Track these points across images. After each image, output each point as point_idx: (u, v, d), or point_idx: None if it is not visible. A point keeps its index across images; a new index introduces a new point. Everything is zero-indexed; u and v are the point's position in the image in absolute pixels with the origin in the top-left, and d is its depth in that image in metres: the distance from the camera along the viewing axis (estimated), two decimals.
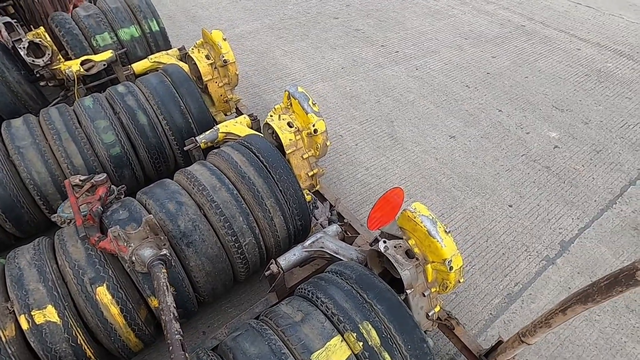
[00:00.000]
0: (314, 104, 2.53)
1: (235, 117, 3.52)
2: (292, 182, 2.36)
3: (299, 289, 1.94)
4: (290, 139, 2.57)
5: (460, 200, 3.25)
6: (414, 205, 1.93)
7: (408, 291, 1.90)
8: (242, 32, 5.49)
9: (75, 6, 4.16)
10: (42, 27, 3.49)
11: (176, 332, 1.48)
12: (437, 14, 5.91)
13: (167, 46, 3.89)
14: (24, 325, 1.76)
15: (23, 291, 1.80)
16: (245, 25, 5.66)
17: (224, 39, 3.09)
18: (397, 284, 1.95)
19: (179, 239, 2.06)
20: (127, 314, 1.92)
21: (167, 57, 3.47)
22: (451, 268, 1.83)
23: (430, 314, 1.99)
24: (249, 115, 2.99)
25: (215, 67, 3.20)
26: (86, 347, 1.86)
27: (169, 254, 1.89)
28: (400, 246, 1.95)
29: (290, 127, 2.59)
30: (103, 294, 1.87)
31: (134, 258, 1.88)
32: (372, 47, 5.18)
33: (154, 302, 1.99)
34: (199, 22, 5.72)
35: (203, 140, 2.80)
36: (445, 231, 1.86)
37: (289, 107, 2.63)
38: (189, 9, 6.05)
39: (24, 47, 3.36)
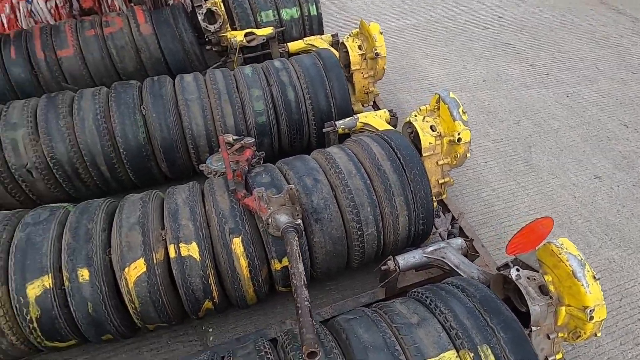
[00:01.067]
0: (463, 113, 2.46)
1: (372, 109, 3.59)
2: (425, 185, 2.33)
3: (414, 292, 1.92)
4: (430, 142, 2.53)
5: (595, 248, 2.93)
6: (561, 240, 1.78)
7: (533, 328, 1.77)
8: (387, 28, 5.50)
9: None
10: None
11: (305, 299, 1.57)
12: (602, 41, 5.33)
13: (320, 31, 4.07)
14: (172, 254, 2.00)
15: (176, 224, 2.04)
16: (391, 22, 5.67)
17: (380, 33, 3.14)
18: (519, 318, 1.84)
19: (310, 213, 2.16)
20: (252, 269, 2.08)
21: (320, 42, 3.63)
22: (592, 318, 1.67)
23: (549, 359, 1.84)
24: (388, 111, 3.01)
25: (365, 59, 3.26)
26: (214, 287, 2.06)
27: (302, 225, 2.00)
28: (535, 279, 1.83)
29: (433, 130, 2.55)
30: (237, 245, 2.05)
31: (270, 220, 2.03)
32: (520, 64, 4.85)
33: (275, 265, 2.13)
34: (346, 12, 5.87)
35: (342, 126, 2.89)
36: (594, 277, 1.69)
37: (436, 110, 2.59)
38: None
39: (202, 13, 3.77)
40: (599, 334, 1.76)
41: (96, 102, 2.77)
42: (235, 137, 2.56)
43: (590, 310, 1.66)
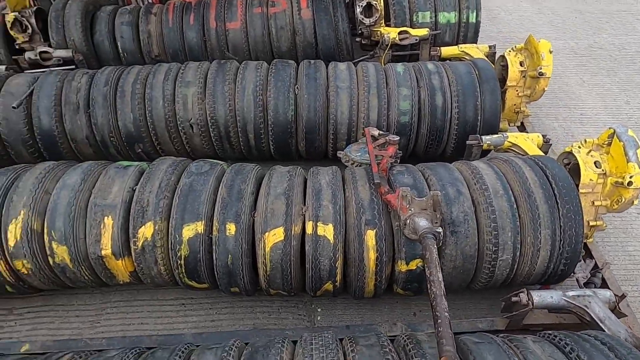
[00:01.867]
0: None
1: (517, 130, 3.38)
2: (578, 223, 2.13)
3: (551, 334, 1.78)
4: (590, 179, 2.30)
5: None
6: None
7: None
8: None
9: None
10: None
11: (445, 309, 1.54)
12: None
13: (475, 39, 3.91)
14: (308, 230, 2.09)
15: (318, 203, 2.13)
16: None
17: (550, 52, 2.92)
18: None
19: (447, 224, 2.11)
20: (379, 264, 2.09)
21: (476, 51, 3.49)
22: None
23: None
24: (542, 136, 2.80)
25: (524, 76, 3.07)
26: (339, 272, 2.12)
27: (442, 234, 1.96)
28: None
29: (597, 167, 2.32)
30: (370, 237, 2.08)
31: (408, 221, 2.02)
32: None
33: (401, 266, 2.13)
34: (498, 24, 5.57)
35: (488, 142, 2.77)
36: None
37: (605, 146, 2.34)
38: (492, 8, 5.92)
39: (361, 6, 3.84)
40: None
41: (257, 75, 2.98)
42: (380, 132, 2.58)
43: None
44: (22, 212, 2.12)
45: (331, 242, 2.08)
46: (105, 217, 2.15)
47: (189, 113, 2.94)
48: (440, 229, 1.95)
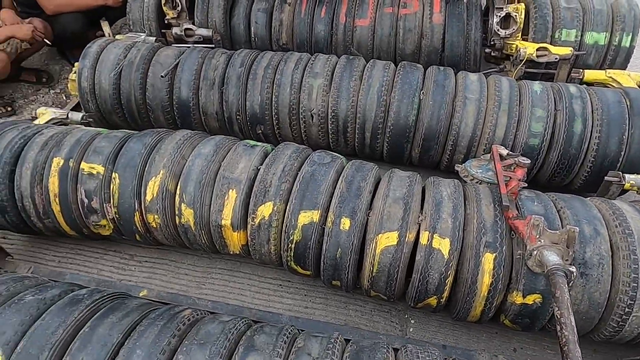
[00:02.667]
0: None
1: None
2: None
3: None
4: None
5: None
6: None
7: None
8: None
9: None
10: (523, 4, 3.68)
11: (579, 357, 1.40)
12: None
13: (624, 66, 3.53)
14: (423, 240, 2.04)
15: (437, 215, 2.07)
16: None
17: None
18: None
19: (577, 264, 1.93)
20: (492, 290, 1.98)
21: (627, 79, 3.14)
22: None
23: None
24: None
25: None
26: (446, 289, 2.04)
27: (574, 274, 1.79)
28: None
29: None
30: (488, 260, 1.97)
31: (535, 253, 1.87)
32: None
33: (516, 298, 1.99)
34: None
35: (631, 182, 2.48)
36: None
37: None
38: None
39: (499, 16, 3.65)
40: None
41: (385, 75, 2.97)
42: (509, 152, 2.44)
43: None
44: (161, 172, 2.34)
45: (445, 257, 2.00)
46: (230, 190, 2.29)
47: (312, 103, 3.02)
48: (573, 268, 1.78)
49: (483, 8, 3.97)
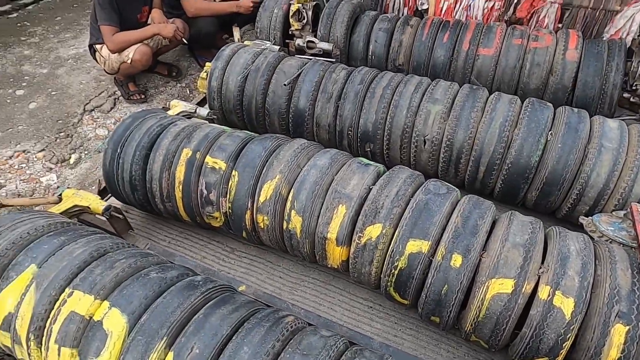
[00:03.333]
0: None
1: None
2: None
3: None
4: None
5: None
6: None
7: None
8: None
9: None
10: None
11: None
12: None
13: None
14: (542, 295, 1.88)
15: (562, 270, 1.90)
16: None
17: None
18: None
19: None
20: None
21: None
22: None
23: None
24: None
25: None
26: (563, 353, 1.86)
27: None
28: None
29: None
30: (619, 333, 1.76)
31: None
32: None
33: None
34: None
35: None
36: None
37: None
38: None
39: None
40: None
41: (510, 109, 2.82)
42: None
43: None
44: (277, 176, 2.43)
45: (567, 317, 1.83)
46: (340, 205, 2.31)
47: (428, 129, 2.96)
48: None
49: (627, 48, 3.62)
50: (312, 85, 3.27)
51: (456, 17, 4.38)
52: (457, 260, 2.02)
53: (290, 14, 4.21)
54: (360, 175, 2.40)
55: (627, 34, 3.65)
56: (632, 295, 1.80)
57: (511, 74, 3.62)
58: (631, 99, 3.52)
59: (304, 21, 4.19)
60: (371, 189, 2.33)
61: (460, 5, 4.37)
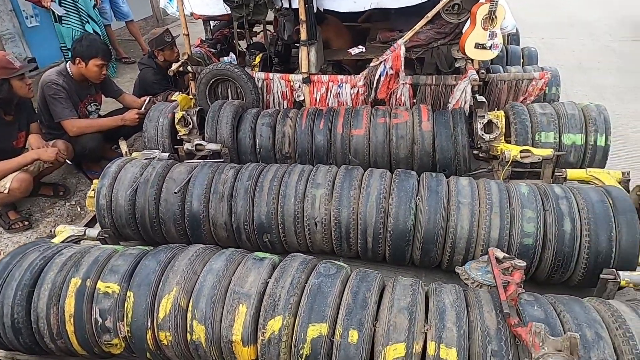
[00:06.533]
0: None
1: None
2: None
3: None
4: None
5: None
6: None
7: None
8: None
9: (524, 100, 4.66)
10: (501, 111, 4.07)
11: None
12: None
13: (602, 163, 3.80)
14: (430, 351, 2.08)
15: (442, 324, 2.13)
16: None
17: None
18: None
19: None
20: None
21: (607, 176, 3.37)
22: None
23: None
24: None
25: None
26: None
27: None
28: None
29: None
30: None
31: None
32: None
33: None
34: (626, 143, 5.33)
35: (626, 279, 2.57)
36: None
37: None
38: (617, 126, 5.71)
39: (482, 122, 4.01)
40: None
41: (382, 183, 3.20)
42: (505, 255, 2.56)
43: None
44: (174, 288, 2.44)
45: None
46: (240, 305, 2.37)
47: (316, 212, 3.22)
48: None
49: (467, 114, 4.36)
50: (203, 188, 3.40)
51: (329, 104, 4.92)
52: (353, 335, 2.17)
53: (176, 121, 4.42)
54: (257, 271, 2.51)
55: (465, 103, 4.42)
56: (499, 334, 2.08)
57: (382, 148, 4.13)
58: (480, 155, 4.19)
59: (190, 126, 4.42)
60: (268, 282, 2.44)
61: (331, 94, 4.95)
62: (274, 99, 5.15)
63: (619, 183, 3.36)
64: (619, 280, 2.59)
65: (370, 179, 3.26)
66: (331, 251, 3.35)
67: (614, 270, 2.64)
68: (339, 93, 4.96)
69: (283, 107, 5.06)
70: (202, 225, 3.41)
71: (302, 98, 5.05)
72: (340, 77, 4.86)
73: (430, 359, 2.07)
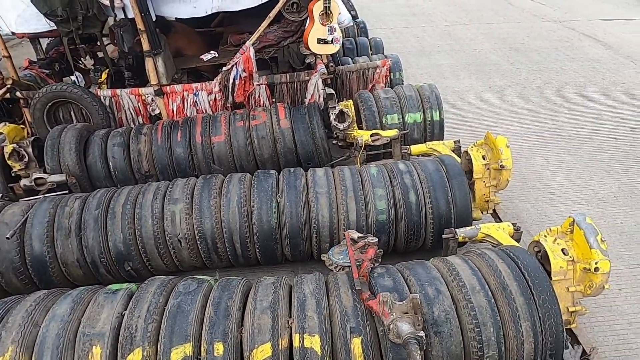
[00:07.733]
0: (602, 241, 2.34)
1: (491, 217, 3.56)
2: (555, 312, 2.21)
3: None
4: (561, 267, 2.42)
5: None
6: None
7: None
8: (504, 132, 5.51)
9: (373, 87, 5.02)
10: (350, 101, 4.33)
11: None
12: None
13: (441, 135, 4.27)
14: (295, 343, 2.13)
15: (303, 315, 2.19)
16: (509, 126, 5.71)
17: (507, 146, 3.20)
18: None
19: (430, 325, 2.16)
20: None
21: (443, 147, 3.79)
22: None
23: None
24: (512, 224, 2.96)
25: (489, 169, 3.32)
26: None
27: (424, 338, 2.01)
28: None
29: (565, 254, 2.45)
30: (357, 345, 2.11)
31: (391, 326, 2.07)
32: None
33: None
34: (463, 114, 6.06)
35: (462, 234, 2.91)
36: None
37: (568, 233, 2.50)
38: (456, 100, 6.49)
39: (334, 113, 4.22)
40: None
41: (241, 187, 3.18)
42: (359, 235, 2.72)
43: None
44: (10, 348, 2.14)
45: (318, 353, 2.10)
46: (94, 347, 2.16)
47: (177, 228, 3.08)
48: (422, 333, 2.00)
49: (322, 107, 4.55)
50: (43, 227, 3.03)
51: (188, 114, 4.75)
52: (219, 348, 2.11)
53: (6, 156, 3.87)
54: (110, 306, 2.30)
55: (319, 96, 4.61)
56: (356, 310, 2.20)
57: (245, 152, 4.10)
58: (339, 144, 4.41)
59: (26, 159, 3.91)
60: (124, 315, 2.26)
61: (187, 104, 4.77)
62: (126, 116, 4.80)
63: (453, 151, 3.79)
64: (457, 237, 2.93)
65: (229, 185, 3.22)
66: (202, 265, 3.24)
67: (453, 229, 2.98)
68: (196, 102, 4.80)
69: (137, 124, 4.73)
70: (50, 268, 3.03)
71: (157, 112, 4.79)
72: (194, 85, 4.71)
73: (297, 350, 2.11)
